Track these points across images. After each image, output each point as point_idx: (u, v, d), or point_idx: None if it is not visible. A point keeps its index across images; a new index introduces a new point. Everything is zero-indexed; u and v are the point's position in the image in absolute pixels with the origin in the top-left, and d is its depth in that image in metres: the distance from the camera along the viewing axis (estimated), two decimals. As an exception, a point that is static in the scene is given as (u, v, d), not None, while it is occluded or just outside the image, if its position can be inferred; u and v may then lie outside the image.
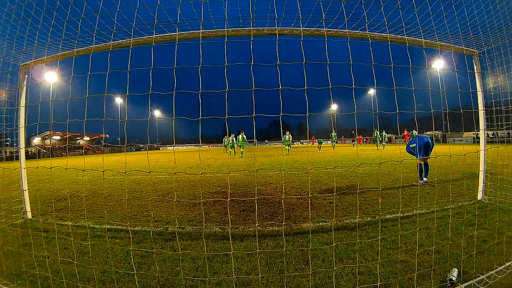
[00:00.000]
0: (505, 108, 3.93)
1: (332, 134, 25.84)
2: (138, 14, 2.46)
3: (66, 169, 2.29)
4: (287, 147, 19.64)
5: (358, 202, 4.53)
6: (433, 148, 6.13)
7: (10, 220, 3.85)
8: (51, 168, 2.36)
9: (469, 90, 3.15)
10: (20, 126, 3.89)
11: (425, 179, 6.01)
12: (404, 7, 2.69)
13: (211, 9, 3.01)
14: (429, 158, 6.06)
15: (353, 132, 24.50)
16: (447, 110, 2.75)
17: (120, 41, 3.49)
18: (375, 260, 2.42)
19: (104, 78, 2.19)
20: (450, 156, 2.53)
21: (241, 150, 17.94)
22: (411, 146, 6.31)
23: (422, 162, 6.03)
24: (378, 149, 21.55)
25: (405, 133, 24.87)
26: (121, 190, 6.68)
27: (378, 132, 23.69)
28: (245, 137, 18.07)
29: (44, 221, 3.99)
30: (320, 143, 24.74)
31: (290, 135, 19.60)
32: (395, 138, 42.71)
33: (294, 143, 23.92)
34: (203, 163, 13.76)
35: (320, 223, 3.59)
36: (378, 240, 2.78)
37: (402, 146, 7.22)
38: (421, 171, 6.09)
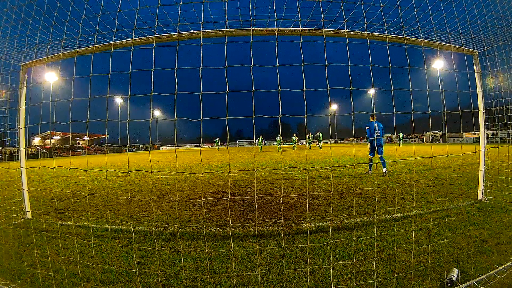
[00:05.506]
0: (505, 108, 3.93)
1: (308, 136, 28.06)
2: (138, 14, 2.46)
3: (69, 169, 2.30)
4: (293, 145, 28.49)
5: (355, 202, 4.53)
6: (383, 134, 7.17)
7: (9, 220, 3.86)
8: (53, 168, 2.36)
9: (469, 90, 3.15)
10: (20, 127, 3.90)
11: (384, 170, 6.26)
12: (403, 7, 2.69)
13: (211, 9, 3.01)
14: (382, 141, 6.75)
15: (313, 134, 29.76)
16: (445, 111, 2.75)
17: (121, 41, 3.49)
18: (374, 260, 2.43)
19: (103, 77, 2.19)
20: (448, 156, 2.53)
21: (279, 147, 26.83)
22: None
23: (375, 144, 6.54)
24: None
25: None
26: (122, 190, 6.69)
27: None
28: (281, 138, 28.07)
29: (44, 221, 4.00)
30: (310, 142, 27.40)
31: (296, 136, 28.32)
32: (395, 138, 42.74)
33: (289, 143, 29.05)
34: (203, 163, 13.76)
35: (320, 223, 3.59)
36: (377, 240, 2.78)
37: (401, 147, 7.40)
38: (373, 149, 6.54)
